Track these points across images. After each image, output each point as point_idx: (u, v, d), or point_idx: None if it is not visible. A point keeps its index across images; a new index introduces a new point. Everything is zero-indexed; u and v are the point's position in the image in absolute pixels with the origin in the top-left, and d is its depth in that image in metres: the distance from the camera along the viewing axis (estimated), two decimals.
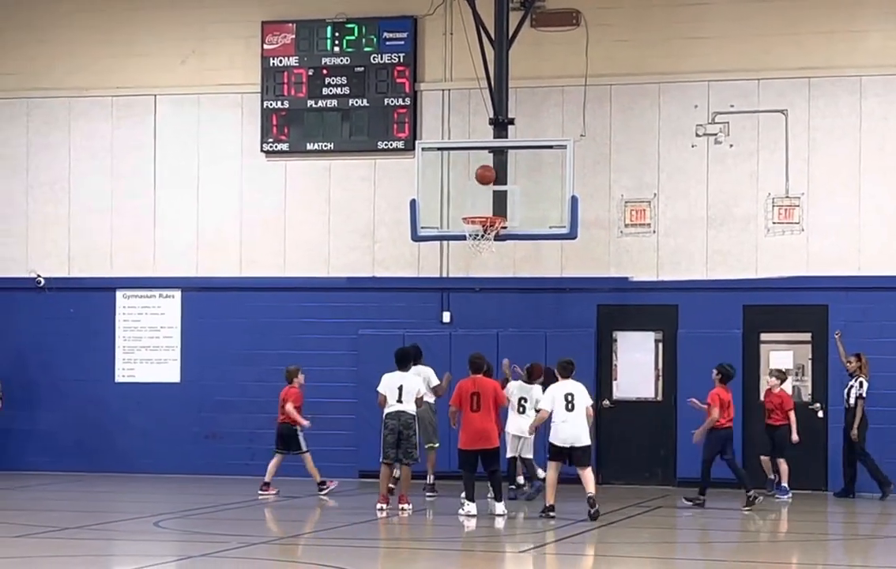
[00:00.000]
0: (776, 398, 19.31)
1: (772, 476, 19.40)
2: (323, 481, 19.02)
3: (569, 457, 16.68)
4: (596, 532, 15.89)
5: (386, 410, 17.24)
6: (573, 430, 16.59)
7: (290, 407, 18.90)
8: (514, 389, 18.34)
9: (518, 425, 18.25)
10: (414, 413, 17.30)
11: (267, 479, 18.88)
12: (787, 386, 20.01)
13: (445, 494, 18.56)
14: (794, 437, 19.10)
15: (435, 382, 18.70)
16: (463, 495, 16.94)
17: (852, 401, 19.31)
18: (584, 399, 16.74)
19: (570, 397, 16.62)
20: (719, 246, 20.47)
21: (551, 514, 16.55)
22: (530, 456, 18.51)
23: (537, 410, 17.42)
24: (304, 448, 18.97)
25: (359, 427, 20.85)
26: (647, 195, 20.74)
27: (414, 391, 17.30)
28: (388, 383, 17.33)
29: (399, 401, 17.19)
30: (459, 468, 17.01)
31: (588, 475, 16.60)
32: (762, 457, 19.43)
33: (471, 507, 16.79)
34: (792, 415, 19.18)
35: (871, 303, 19.95)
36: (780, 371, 19.58)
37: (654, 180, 20.70)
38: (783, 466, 19.17)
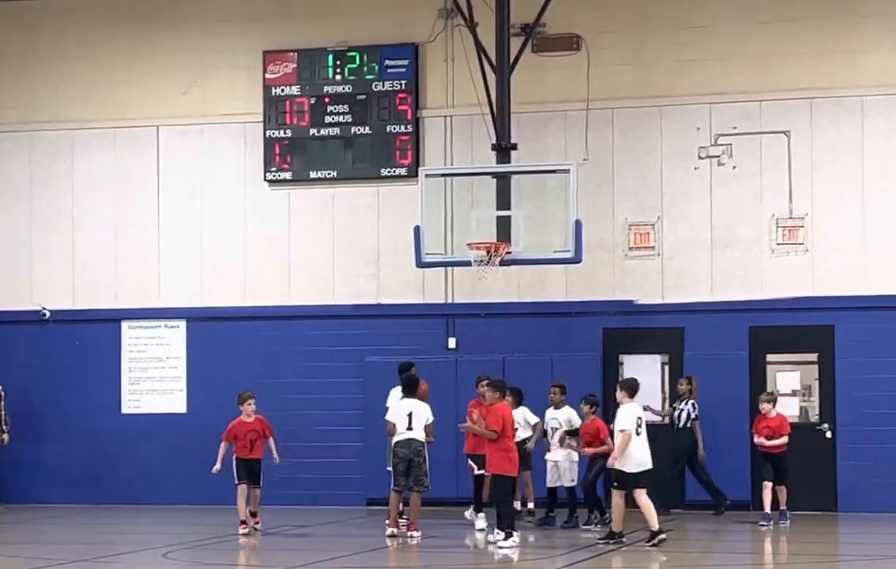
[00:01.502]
0: (775, 422, 18.61)
1: (776, 507, 18.58)
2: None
3: (634, 482, 16.08)
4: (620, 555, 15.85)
5: (396, 439, 17.18)
6: (644, 454, 16.14)
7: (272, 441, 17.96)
8: (549, 417, 18.46)
9: (556, 454, 18.39)
10: (423, 440, 17.21)
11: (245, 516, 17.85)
12: (792, 405, 20.05)
13: (447, 521, 18.53)
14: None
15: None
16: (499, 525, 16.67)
17: (682, 422, 19.54)
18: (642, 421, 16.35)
19: (640, 420, 16.24)
20: (724, 268, 20.48)
21: (622, 539, 16.23)
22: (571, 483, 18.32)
23: (570, 432, 18.02)
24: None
25: (365, 455, 20.81)
26: (651, 218, 20.76)
27: (423, 418, 17.22)
28: (398, 411, 17.29)
29: (409, 428, 17.12)
30: (497, 498, 16.67)
31: (644, 500, 16.07)
32: (766, 483, 18.56)
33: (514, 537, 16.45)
34: (785, 439, 18.51)
35: (876, 322, 19.95)
36: (771, 394, 19.07)
37: (658, 203, 20.72)
38: (783, 492, 18.68)
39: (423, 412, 17.23)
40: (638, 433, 16.05)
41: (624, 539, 16.28)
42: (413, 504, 17.26)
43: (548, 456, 18.54)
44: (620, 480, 16.13)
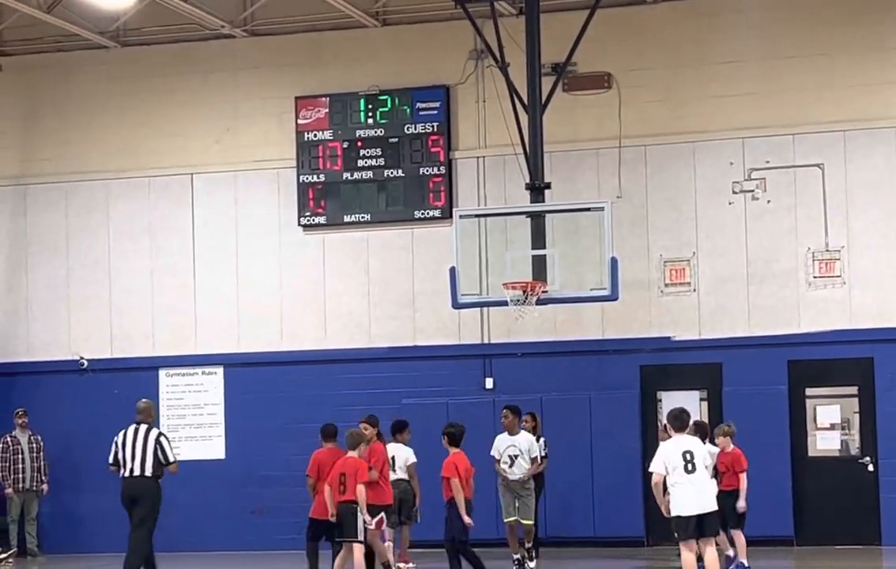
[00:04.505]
0: (729, 458, 16.80)
1: (729, 552, 16.89)
2: None
3: (698, 527, 14.06)
4: None
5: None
6: (700, 494, 14.09)
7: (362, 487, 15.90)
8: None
9: None
10: (408, 479, 17.96)
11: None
12: (833, 438, 19.91)
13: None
14: (741, 504, 16.60)
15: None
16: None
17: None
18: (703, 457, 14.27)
19: (688, 455, 14.17)
20: (761, 302, 20.41)
21: None
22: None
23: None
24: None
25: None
26: (686, 254, 20.73)
27: (403, 460, 17.99)
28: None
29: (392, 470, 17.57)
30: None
31: (711, 554, 14.16)
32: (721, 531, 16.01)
33: None
34: (743, 478, 16.67)
35: None
36: (729, 426, 17.18)
37: (693, 239, 20.69)
38: (740, 538, 16.79)
39: (402, 454, 18.00)
40: (688, 470, 14.05)
41: None
42: (403, 537, 18.03)
43: None
44: (676, 528, 14.22)
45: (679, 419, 14.38)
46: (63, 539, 21.96)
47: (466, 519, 16.11)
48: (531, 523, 18.11)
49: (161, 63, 22.39)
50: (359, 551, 15.55)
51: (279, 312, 21.90)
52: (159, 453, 16.64)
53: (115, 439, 16.98)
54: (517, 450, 18.04)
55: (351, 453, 15.86)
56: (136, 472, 16.59)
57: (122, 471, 16.78)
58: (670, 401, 20.51)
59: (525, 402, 20.08)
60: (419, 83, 21.46)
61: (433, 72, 21.45)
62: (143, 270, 22.33)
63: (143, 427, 16.74)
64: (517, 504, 17.96)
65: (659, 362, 20.68)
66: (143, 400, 17.21)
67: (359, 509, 15.55)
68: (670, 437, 14.43)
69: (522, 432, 18.25)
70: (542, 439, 18.76)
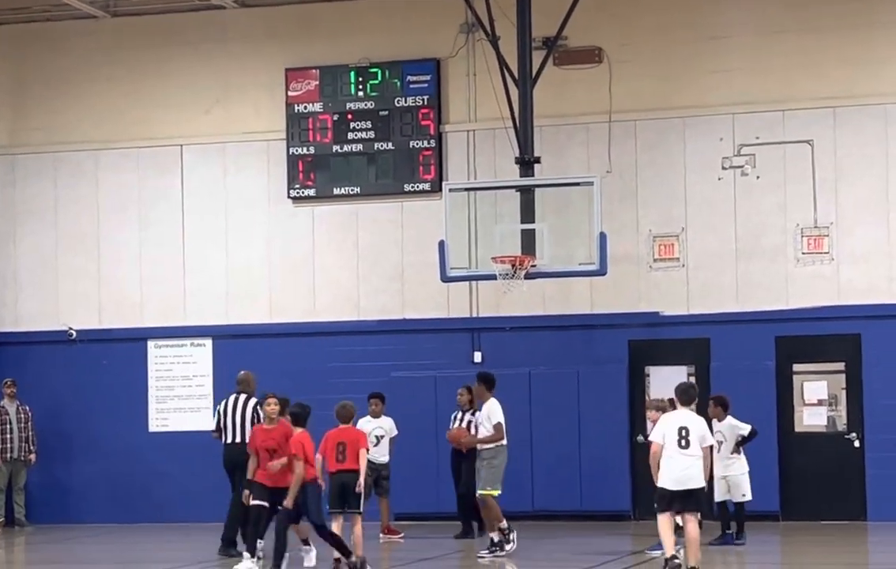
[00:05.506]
0: None
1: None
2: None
3: (680, 502, 14.21)
4: None
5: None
6: (684, 470, 14.16)
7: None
8: (725, 428, 17.45)
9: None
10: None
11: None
12: (819, 414, 19.96)
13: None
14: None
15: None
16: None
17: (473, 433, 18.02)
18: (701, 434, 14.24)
19: (684, 432, 14.20)
20: (749, 278, 20.45)
21: (677, 563, 14.28)
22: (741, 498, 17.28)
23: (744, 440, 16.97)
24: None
25: (393, 469, 20.78)
26: (675, 229, 20.75)
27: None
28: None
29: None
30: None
31: (693, 530, 14.19)
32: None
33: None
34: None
35: None
36: (661, 401, 16.48)
37: (682, 214, 20.71)
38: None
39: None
40: (681, 446, 14.14)
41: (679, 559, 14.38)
42: (383, 509, 18.78)
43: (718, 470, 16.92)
44: (657, 498, 14.42)
45: (686, 394, 14.47)
46: (51, 509, 21.96)
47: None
48: (485, 493, 17.11)
49: (151, 34, 22.31)
50: (358, 522, 15.55)
51: (268, 285, 21.90)
52: (255, 420, 17.11)
53: (218, 407, 17.69)
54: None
55: (343, 426, 15.86)
56: (238, 439, 17.16)
57: (224, 438, 17.42)
58: (658, 376, 20.64)
59: (513, 376, 20.18)
60: (410, 56, 21.42)
61: (424, 45, 21.40)
62: (131, 240, 22.29)
63: (243, 397, 17.49)
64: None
65: (647, 337, 20.71)
66: (242, 371, 17.95)
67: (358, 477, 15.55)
68: (674, 409, 14.56)
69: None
70: (477, 413, 18.34)
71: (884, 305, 19.98)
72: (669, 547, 14.35)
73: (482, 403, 17.48)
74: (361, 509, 15.67)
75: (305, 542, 16.21)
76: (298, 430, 15.51)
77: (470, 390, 18.54)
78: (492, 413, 17.20)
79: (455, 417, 18.76)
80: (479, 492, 17.07)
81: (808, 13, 20.35)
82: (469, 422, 18.44)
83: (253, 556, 15.47)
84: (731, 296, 20.48)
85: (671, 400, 15.13)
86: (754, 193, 20.52)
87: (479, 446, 17.25)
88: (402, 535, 18.98)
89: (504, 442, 17.10)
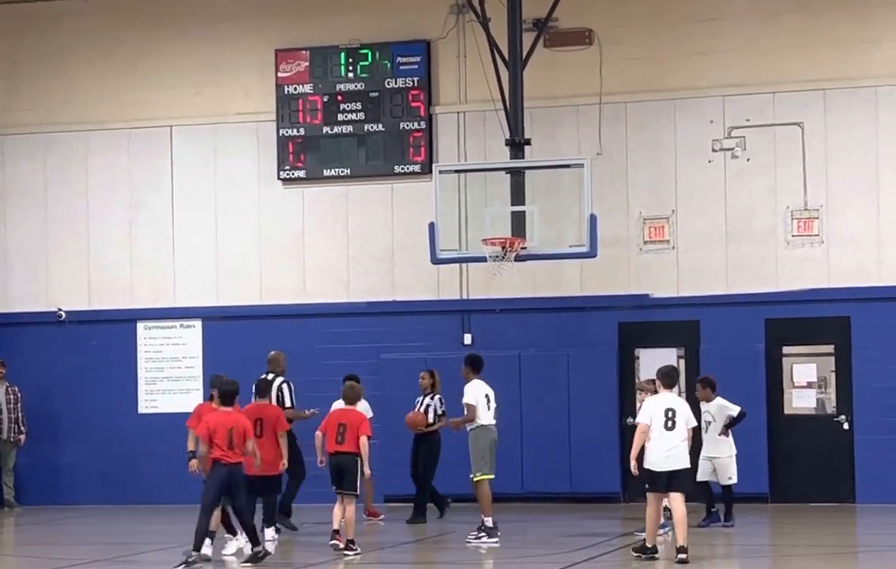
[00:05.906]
0: None
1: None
2: None
3: (666, 482, 14.43)
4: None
5: None
6: (671, 450, 14.40)
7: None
8: (713, 409, 17.50)
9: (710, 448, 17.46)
10: None
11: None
12: (809, 396, 20.02)
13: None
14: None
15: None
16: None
17: (431, 418, 18.46)
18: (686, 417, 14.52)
19: (670, 413, 14.46)
20: (739, 260, 20.46)
21: (655, 556, 14.55)
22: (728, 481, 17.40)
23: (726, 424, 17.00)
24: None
25: (383, 451, 20.75)
26: (666, 212, 20.75)
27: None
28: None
29: None
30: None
31: (680, 510, 14.36)
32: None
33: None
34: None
35: (892, 313, 19.91)
36: (651, 382, 15.71)
37: (672, 197, 20.71)
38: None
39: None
40: (667, 427, 14.37)
41: (657, 555, 14.73)
42: (367, 491, 18.56)
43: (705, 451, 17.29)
44: (647, 480, 14.63)
45: (669, 377, 14.79)
46: (41, 490, 21.97)
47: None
48: (476, 478, 17.08)
49: (142, 14, 22.26)
50: (351, 504, 15.61)
51: (258, 266, 21.88)
52: (280, 398, 17.37)
53: (253, 386, 17.49)
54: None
55: (348, 407, 15.97)
56: None
57: None
58: (648, 358, 20.64)
59: (503, 358, 20.19)
60: (400, 37, 21.39)
61: (414, 26, 21.37)
62: (121, 222, 22.27)
63: (271, 376, 17.73)
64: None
65: (637, 320, 20.73)
66: (272, 351, 18.12)
67: (360, 461, 15.69)
68: (657, 392, 14.80)
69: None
70: (437, 397, 18.74)
71: (873, 288, 20.01)
72: (651, 535, 14.65)
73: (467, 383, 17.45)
74: (357, 492, 15.77)
75: (229, 529, 16.04)
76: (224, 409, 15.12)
77: (432, 374, 18.73)
78: (465, 394, 17.10)
79: (417, 402, 18.80)
80: (471, 477, 17.06)
81: None
82: (428, 406, 18.56)
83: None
84: (721, 278, 20.49)
85: (653, 381, 15.29)
86: (744, 175, 20.52)
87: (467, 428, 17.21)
88: (382, 517, 18.99)
89: (482, 422, 16.96)
